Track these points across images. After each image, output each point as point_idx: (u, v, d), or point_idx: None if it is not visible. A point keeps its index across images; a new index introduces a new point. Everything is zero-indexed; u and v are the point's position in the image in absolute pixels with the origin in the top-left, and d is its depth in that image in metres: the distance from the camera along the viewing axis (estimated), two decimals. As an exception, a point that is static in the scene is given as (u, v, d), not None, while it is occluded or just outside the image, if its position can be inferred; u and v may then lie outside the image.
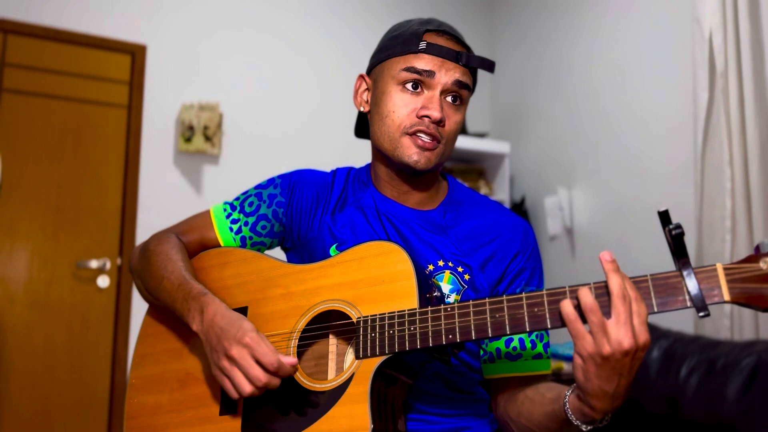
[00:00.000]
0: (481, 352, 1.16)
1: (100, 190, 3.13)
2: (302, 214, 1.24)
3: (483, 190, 3.78)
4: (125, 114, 3.22)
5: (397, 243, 1.03)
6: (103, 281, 3.05)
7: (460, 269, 1.13)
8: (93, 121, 3.15)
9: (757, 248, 0.79)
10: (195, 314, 1.02)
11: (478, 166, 3.93)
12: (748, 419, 1.96)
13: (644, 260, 2.80)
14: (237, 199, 1.28)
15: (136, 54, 3.25)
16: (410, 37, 1.14)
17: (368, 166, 1.29)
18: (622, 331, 0.79)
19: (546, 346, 1.14)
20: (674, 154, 2.87)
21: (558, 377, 2.79)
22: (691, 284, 0.80)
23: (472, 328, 0.90)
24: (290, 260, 1.28)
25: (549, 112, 3.73)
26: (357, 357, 0.97)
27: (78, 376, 2.97)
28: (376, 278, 1.01)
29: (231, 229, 1.24)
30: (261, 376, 0.93)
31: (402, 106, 1.13)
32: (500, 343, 1.13)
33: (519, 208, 3.78)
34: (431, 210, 1.21)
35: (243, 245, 1.24)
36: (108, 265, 3.07)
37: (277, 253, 1.30)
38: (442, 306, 0.93)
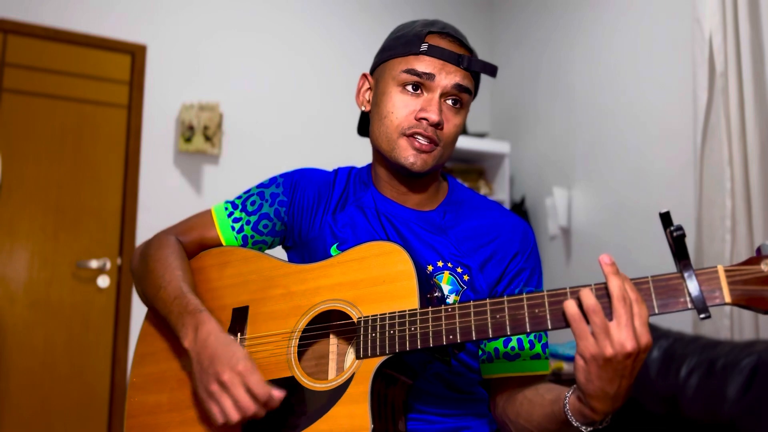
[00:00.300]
0: (480, 352, 1.16)
1: (100, 190, 3.13)
2: (304, 213, 1.24)
3: (483, 190, 3.78)
4: (125, 114, 3.22)
5: (398, 243, 1.03)
6: (103, 281, 3.05)
7: (459, 270, 1.13)
8: (93, 121, 3.15)
9: (759, 250, 0.79)
10: (188, 331, 1.01)
11: (478, 166, 3.93)
12: (748, 419, 1.96)
13: (644, 260, 2.80)
14: (239, 198, 1.28)
15: (136, 54, 3.25)
16: (412, 38, 1.14)
17: (369, 166, 1.29)
18: (624, 333, 0.79)
19: (544, 346, 1.14)
20: (674, 155, 2.87)
21: (558, 377, 2.80)
22: (692, 286, 0.80)
23: (473, 328, 0.90)
24: (291, 259, 1.28)
25: (549, 112, 3.73)
26: (357, 357, 0.97)
27: (78, 376, 2.97)
28: (376, 278, 1.01)
29: (233, 228, 1.24)
30: (250, 405, 0.92)
31: (401, 108, 1.12)
32: (498, 343, 1.12)
33: (519, 208, 3.78)
34: (431, 211, 1.21)
35: (245, 244, 1.24)
36: (108, 265, 3.07)
37: (278, 252, 1.30)
38: (443, 306, 0.93)
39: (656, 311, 0.82)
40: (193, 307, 1.03)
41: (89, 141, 3.13)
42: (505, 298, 0.89)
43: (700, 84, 2.60)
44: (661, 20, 3.01)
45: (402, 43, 1.15)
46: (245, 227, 1.24)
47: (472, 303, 0.91)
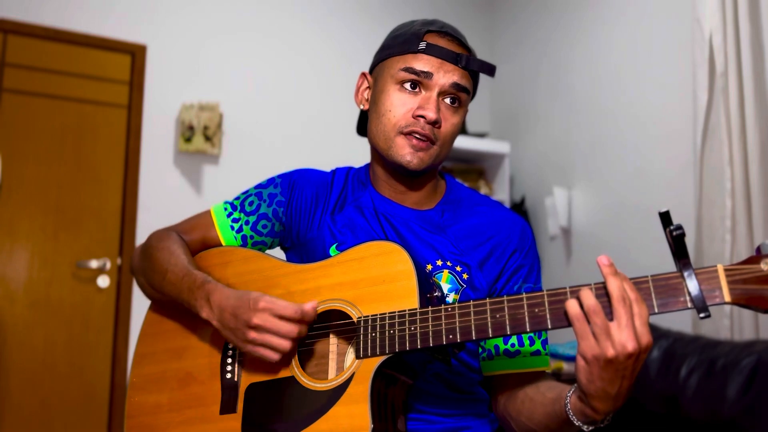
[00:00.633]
0: (480, 350, 1.16)
1: (100, 190, 3.13)
2: (302, 213, 1.24)
3: (483, 190, 3.78)
4: (125, 114, 3.22)
5: (398, 243, 1.03)
6: (103, 281, 3.05)
7: (458, 268, 1.14)
8: (93, 121, 3.15)
9: (758, 249, 0.79)
10: (203, 302, 1.04)
11: (478, 166, 3.93)
12: (748, 419, 1.96)
13: (644, 260, 2.80)
14: (237, 198, 1.28)
15: (136, 54, 3.25)
16: (411, 37, 1.14)
17: (367, 166, 1.30)
18: (624, 334, 0.79)
19: (544, 342, 1.14)
20: (674, 155, 2.87)
21: (558, 378, 2.80)
22: (692, 285, 0.80)
23: (473, 328, 0.90)
24: (290, 260, 1.28)
25: (549, 112, 3.73)
26: (357, 357, 0.97)
27: (78, 376, 2.97)
28: (376, 278, 1.01)
29: (232, 228, 1.24)
30: (292, 328, 0.97)
31: (399, 106, 1.13)
32: (498, 341, 1.13)
33: (519, 208, 3.78)
34: (429, 210, 1.22)
35: (244, 244, 1.24)
36: (108, 265, 3.07)
37: (278, 253, 1.30)
38: (443, 306, 0.93)
39: (656, 311, 0.82)
40: (201, 279, 1.07)
41: (89, 141, 3.13)
42: (505, 297, 0.89)
43: (700, 84, 2.60)
44: (661, 20, 3.01)
45: (400, 41, 1.15)
46: (244, 227, 1.24)
47: (471, 303, 0.91)
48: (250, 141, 3.45)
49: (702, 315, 0.79)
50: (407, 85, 1.13)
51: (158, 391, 1.14)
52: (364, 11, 3.86)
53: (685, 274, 0.81)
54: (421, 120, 1.11)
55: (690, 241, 2.58)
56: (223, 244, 1.24)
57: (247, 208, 1.25)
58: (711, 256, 2.51)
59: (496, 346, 1.13)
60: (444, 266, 1.13)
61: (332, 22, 3.79)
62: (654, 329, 2.41)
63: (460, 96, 1.14)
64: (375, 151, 1.21)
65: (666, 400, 2.24)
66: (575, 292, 0.85)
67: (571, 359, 2.81)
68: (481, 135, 3.91)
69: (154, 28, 3.30)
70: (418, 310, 0.95)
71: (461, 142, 3.70)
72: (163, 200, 3.19)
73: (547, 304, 0.86)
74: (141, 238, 3.07)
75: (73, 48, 3.13)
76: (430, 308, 0.94)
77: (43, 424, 2.88)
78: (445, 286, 1.12)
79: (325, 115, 3.65)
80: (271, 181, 1.28)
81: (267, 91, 3.55)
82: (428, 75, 1.11)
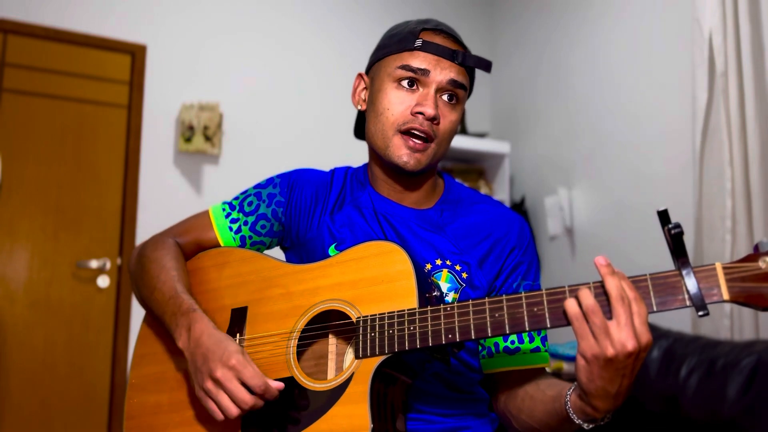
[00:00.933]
0: (479, 348, 1.17)
1: (100, 190, 3.13)
2: (301, 213, 1.24)
3: (483, 190, 3.78)
4: (125, 114, 3.22)
5: (397, 243, 1.03)
6: (103, 281, 3.05)
7: (458, 267, 1.14)
8: (93, 121, 3.15)
9: (756, 247, 0.79)
10: (182, 331, 1.02)
11: (478, 166, 3.93)
12: (748, 419, 1.96)
13: (644, 260, 2.80)
14: (236, 198, 1.28)
15: (136, 54, 3.25)
16: (407, 35, 1.14)
17: (365, 165, 1.29)
18: (624, 333, 0.79)
19: (544, 339, 1.14)
20: (674, 155, 2.87)
21: (558, 377, 2.79)
22: (691, 283, 0.80)
23: (472, 327, 0.90)
24: (289, 260, 1.28)
25: (549, 112, 3.73)
26: (357, 357, 0.97)
27: (78, 376, 2.97)
28: (375, 278, 1.01)
29: (231, 229, 1.24)
30: (247, 399, 0.93)
31: (397, 104, 1.13)
32: (498, 338, 1.13)
33: (519, 208, 3.78)
34: (428, 209, 1.22)
35: (243, 245, 1.24)
36: (108, 265, 3.07)
37: (277, 253, 1.29)
38: (442, 306, 0.93)
39: (654, 309, 0.82)
40: (187, 306, 1.04)
41: (89, 141, 3.13)
42: (504, 297, 0.89)
43: (699, 84, 2.60)
44: (661, 20, 3.01)
45: (396, 40, 1.15)
46: (243, 228, 1.24)
47: (471, 302, 0.91)
48: (250, 141, 3.45)
49: (701, 313, 0.79)
50: (404, 83, 1.13)
51: (158, 391, 1.13)
52: (363, 11, 3.86)
53: (684, 272, 0.81)
54: (420, 117, 1.11)
55: (690, 241, 2.58)
56: (222, 244, 1.23)
57: (246, 209, 1.25)
58: (711, 256, 2.51)
59: (496, 344, 1.13)
60: (443, 265, 1.14)
61: (332, 22, 3.79)
62: (654, 329, 2.41)
63: (457, 93, 1.15)
64: (373, 151, 1.21)
65: (666, 400, 2.24)
66: (574, 291, 0.85)
67: (571, 359, 2.81)
68: (481, 135, 3.91)
69: (154, 28, 3.30)
70: (417, 310, 0.95)
71: (461, 142, 3.70)
72: (163, 200, 3.19)
73: (546, 303, 0.86)
74: (141, 238, 3.07)
75: (73, 48, 3.13)
76: (429, 308, 0.94)
77: (43, 424, 2.88)
78: (445, 285, 1.12)
79: (325, 115, 3.65)
80: (270, 181, 1.28)
81: (267, 91, 3.55)
82: (425, 72, 1.11)
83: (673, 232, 0.80)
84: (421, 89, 1.13)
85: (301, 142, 3.56)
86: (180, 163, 3.30)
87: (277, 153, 3.48)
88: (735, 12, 2.51)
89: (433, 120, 1.12)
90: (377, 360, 0.95)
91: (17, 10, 3.01)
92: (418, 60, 1.12)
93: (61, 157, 3.06)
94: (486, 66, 1.14)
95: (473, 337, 0.90)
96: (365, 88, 1.23)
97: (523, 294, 0.88)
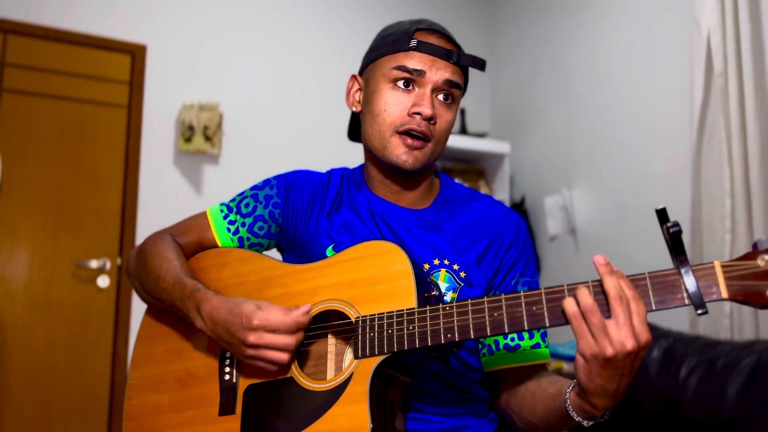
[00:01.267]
0: (479, 346, 1.17)
1: (100, 190, 3.13)
2: (298, 215, 1.24)
3: (483, 190, 3.78)
4: (125, 114, 3.22)
5: (395, 242, 1.03)
6: (103, 281, 3.05)
7: (456, 267, 1.14)
8: (93, 121, 3.15)
9: (755, 245, 0.79)
10: (194, 314, 1.03)
11: (478, 166, 3.93)
12: (748, 419, 1.96)
13: (644, 260, 2.79)
14: (233, 200, 1.28)
15: (136, 54, 3.25)
16: (401, 35, 1.14)
17: (361, 166, 1.30)
18: (623, 333, 0.79)
19: (544, 335, 1.15)
20: (674, 155, 2.87)
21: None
22: (689, 282, 0.80)
23: (471, 327, 0.90)
24: (286, 261, 1.28)
25: (549, 112, 3.73)
26: (356, 357, 0.97)
27: (78, 376, 2.97)
28: (374, 278, 1.01)
29: (228, 230, 1.24)
30: (288, 341, 0.96)
31: (393, 105, 1.13)
32: (498, 336, 1.13)
33: (519, 208, 3.78)
34: (425, 208, 1.22)
35: (241, 246, 1.24)
36: (108, 265, 3.07)
37: (276, 254, 1.29)
38: (441, 305, 0.93)
39: (653, 308, 0.82)
40: (190, 288, 1.05)
41: (89, 141, 3.13)
42: (503, 296, 0.89)
43: (696, 84, 2.60)
44: (661, 20, 3.01)
45: (390, 41, 1.16)
46: (241, 229, 1.24)
47: (469, 301, 0.91)
48: (250, 141, 3.44)
49: (699, 312, 0.79)
50: (400, 84, 1.13)
51: (157, 392, 1.14)
52: (364, 11, 3.86)
53: (682, 270, 0.81)
54: (417, 117, 1.11)
55: (689, 241, 2.58)
56: (220, 246, 1.23)
57: (243, 210, 1.25)
58: (711, 256, 2.51)
59: (496, 342, 1.14)
60: (441, 265, 1.14)
61: (332, 22, 3.79)
62: (654, 329, 2.41)
63: (452, 92, 1.15)
64: (369, 153, 1.21)
65: (666, 400, 2.24)
66: (572, 290, 0.85)
67: (571, 359, 2.80)
68: (481, 135, 3.91)
69: (154, 28, 3.30)
70: (416, 310, 0.95)
71: (461, 142, 3.70)
72: (163, 200, 3.19)
73: (545, 302, 0.86)
74: (141, 238, 3.06)
75: (73, 48, 3.13)
76: (428, 307, 0.94)
77: (43, 424, 2.88)
78: (443, 285, 1.12)
79: (325, 115, 3.65)
80: (267, 183, 1.28)
81: (267, 91, 3.55)
82: (421, 73, 1.12)
83: (671, 230, 0.79)
84: (417, 89, 1.13)
85: (301, 142, 3.56)
86: (180, 163, 3.30)
87: (277, 153, 3.48)
88: (735, 12, 2.51)
89: (430, 120, 1.12)
90: (376, 360, 0.95)
91: (17, 10, 3.01)
92: (414, 61, 1.12)
93: (61, 157, 3.06)
94: (480, 65, 1.15)
95: (472, 337, 0.90)
96: (359, 89, 1.23)
97: (522, 293, 0.88)
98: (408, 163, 1.13)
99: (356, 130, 1.31)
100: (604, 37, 3.36)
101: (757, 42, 2.47)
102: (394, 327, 0.95)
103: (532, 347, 1.13)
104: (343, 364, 1.03)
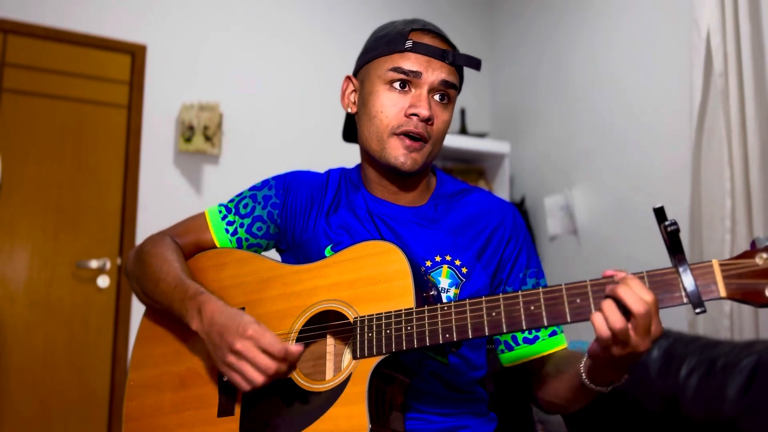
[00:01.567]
0: (495, 344, 1.18)
1: (100, 190, 3.13)
2: (297, 215, 1.24)
3: (483, 190, 3.77)
4: (125, 114, 3.22)
5: (393, 242, 1.03)
6: (103, 281, 3.05)
7: (457, 262, 1.14)
8: (93, 121, 3.15)
9: (753, 244, 0.79)
10: (193, 314, 1.02)
11: (478, 166, 3.93)
12: (748, 419, 1.96)
13: (644, 260, 2.79)
14: (231, 201, 1.28)
15: (136, 54, 3.25)
16: (396, 36, 1.15)
17: (358, 167, 1.30)
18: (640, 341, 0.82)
19: None
20: (674, 154, 2.87)
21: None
22: (687, 280, 0.80)
23: (469, 326, 0.90)
24: (285, 262, 1.28)
25: (549, 112, 3.73)
26: (354, 357, 0.97)
27: (78, 376, 2.97)
28: (372, 278, 1.01)
29: (227, 231, 1.24)
30: (270, 364, 0.92)
31: (390, 106, 1.13)
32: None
33: (519, 208, 3.77)
34: (423, 205, 1.22)
35: (239, 247, 1.24)
36: (108, 265, 3.07)
37: (274, 254, 1.29)
38: (439, 305, 0.93)
39: None
40: (194, 290, 1.04)
41: (89, 141, 3.13)
42: (501, 295, 0.90)
43: (696, 84, 2.60)
44: (661, 20, 3.00)
45: (385, 42, 1.16)
46: (239, 230, 1.24)
47: (468, 301, 0.91)
48: (250, 141, 3.44)
49: (698, 310, 0.79)
50: (396, 85, 1.13)
51: (157, 393, 1.13)
52: (365, 11, 3.86)
53: (680, 269, 0.81)
54: (414, 118, 1.12)
55: (689, 241, 2.58)
56: (218, 246, 1.23)
57: (242, 211, 1.25)
58: (710, 256, 2.50)
59: (514, 337, 1.15)
60: (443, 261, 1.14)
61: (333, 21, 3.79)
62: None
63: (449, 92, 1.15)
64: (366, 154, 1.22)
65: (666, 400, 2.24)
66: (571, 289, 0.86)
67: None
68: (481, 135, 3.91)
69: (153, 28, 3.30)
70: (414, 310, 0.95)
71: (461, 142, 3.70)
72: (163, 200, 3.19)
73: (543, 302, 0.87)
74: (141, 238, 3.06)
75: (73, 48, 3.13)
76: (426, 307, 0.94)
77: (43, 424, 2.88)
78: (446, 281, 1.12)
79: (325, 116, 3.64)
80: (265, 183, 1.28)
81: (267, 91, 3.54)
82: (417, 74, 1.12)
83: (669, 229, 0.79)
84: (413, 90, 1.13)
85: (302, 142, 3.56)
86: (180, 163, 3.30)
87: (277, 153, 3.48)
88: (735, 12, 2.51)
89: (428, 121, 1.12)
90: (375, 360, 0.95)
91: (17, 10, 3.01)
92: (410, 62, 1.12)
93: (61, 157, 3.06)
94: (476, 64, 1.15)
95: (470, 336, 0.90)
96: (354, 90, 1.23)
97: (520, 292, 0.89)
98: (407, 165, 1.13)
99: (351, 131, 1.31)
100: (604, 37, 3.35)
101: (757, 42, 2.47)
102: (393, 327, 0.95)
103: (550, 335, 1.15)
104: (341, 365, 1.03)
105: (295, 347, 0.93)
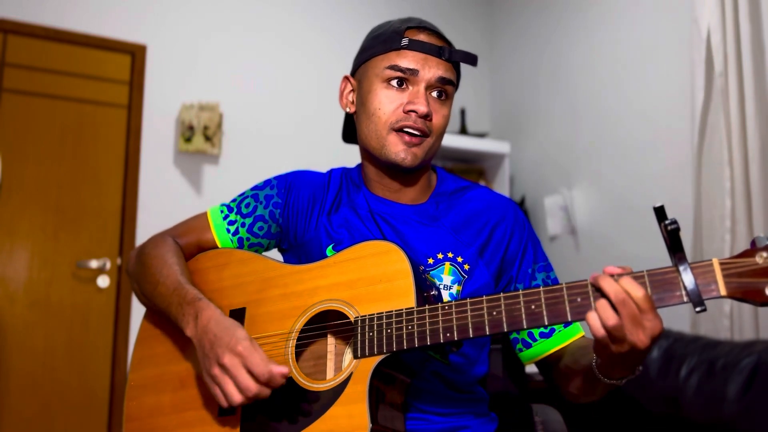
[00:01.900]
0: (513, 343, 1.18)
1: (100, 190, 3.13)
2: (299, 215, 1.24)
3: (483, 190, 3.77)
4: (125, 114, 3.22)
5: (394, 242, 1.04)
6: (103, 281, 3.05)
7: (459, 259, 1.14)
8: (93, 121, 3.15)
9: (753, 243, 0.79)
10: (189, 319, 1.02)
11: (478, 166, 3.93)
12: (748, 419, 1.96)
13: (645, 260, 2.79)
14: (233, 200, 1.28)
15: (136, 54, 3.25)
16: (392, 35, 1.15)
17: (359, 166, 1.30)
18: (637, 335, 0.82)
19: None
20: (674, 154, 2.87)
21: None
22: (688, 279, 0.80)
23: (470, 326, 0.90)
24: (287, 262, 1.28)
25: (549, 112, 3.73)
26: (355, 356, 0.97)
27: (78, 377, 2.97)
28: (373, 277, 1.01)
29: (228, 231, 1.24)
30: (251, 386, 0.92)
31: (388, 103, 1.13)
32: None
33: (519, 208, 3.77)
34: (424, 203, 1.22)
35: (240, 247, 1.24)
36: (108, 265, 3.07)
37: (275, 254, 1.29)
38: (440, 304, 0.93)
39: None
40: (192, 296, 1.04)
41: (89, 141, 3.13)
42: (502, 294, 0.90)
43: (697, 84, 2.60)
44: (661, 20, 3.00)
45: (382, 41, 1.16)
46: (240, 230, 1.24)
47: (468, 300, 0.92)
48: (250, 141, 3.44)
49: (698, 309, 0.79)
50: (394, 83, 1.14)
51: (157, 393, 1.13)
52: (365, 11, 3.86)
53: (681, 268, 0.81)
54: (413, 114, 1.12)
55: (689, 241, 2.58)
56: (219, 246, 1.23)
57: (244, 210, 1.25)
58: (711, 255, 2.50)
59: (530, 334, 1.15)
60: (445, 258, 1.14)
61: (333, 21, 3.79)
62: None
63: (446, 89, 1.16)
64: (366, 153, 1.22)
65: (666, 401, 2.24)
66: (571, 288, 0.86)
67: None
68: (481, 135, 3.91)
69: (153, 28, 3.30)
70: (415, 309, 0.95)
71: (461, 142, 3.70)
72: (163, 200, 3.19)
73: (544, 301, 0.87)
74: (141, 238, 3.06)
75: (73, 48, 3.13)
76: (426, 307, 0.94)
77: (43, 424, 2.88)
78: (448, 279, 1.12)
79: (325, 115, 3.64)
80: (267, 183, 1.28)
81: (267, 91, 3.55)
82: (414, 72, 1.13)
83: (669, 227, 0.79)
84: (410, 88, 1.14)
85: (301, 141, 3.56)
86: (180, 163, 3.30)
87: (278, 152, 3.48)
88: (735, 12, 2.51)
89: (426, 117, 1.12)
90: (376, 359, 0.95)
91: (17, 10, 3.01)
92: (407, 60, 1.13)
93: (61, 157, 3.06)
94: (472, 60, 1.15)
95: (471, 336, 0.90)
96: (352, 90, 1.24)
97: (520, 291, 0.89)
98: (407, 161, 1.13)
99: (351, 131, 1.31)
100: (605, 36, 3.35)
101: (757, 42, 2.47)
102: (393, 326, 0.95)
103: (566, 325, 1.14)
104: (342, 364, 1.03)
105: (280, 371, 0.92)
